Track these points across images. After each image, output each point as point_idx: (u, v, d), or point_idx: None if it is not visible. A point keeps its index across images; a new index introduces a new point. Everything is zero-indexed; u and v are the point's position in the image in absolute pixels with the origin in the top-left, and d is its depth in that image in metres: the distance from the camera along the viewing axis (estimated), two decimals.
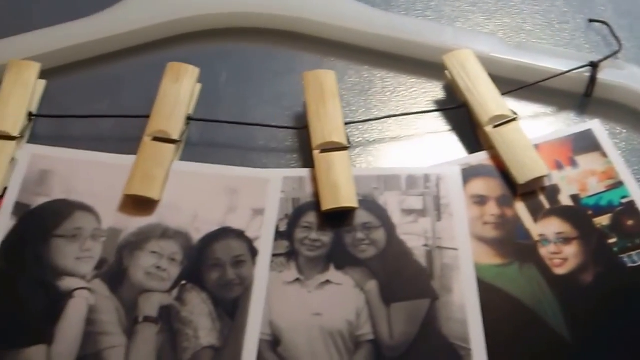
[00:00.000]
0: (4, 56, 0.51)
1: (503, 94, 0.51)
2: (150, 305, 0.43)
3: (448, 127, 0.52)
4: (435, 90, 0.54)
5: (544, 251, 0.46)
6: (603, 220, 0.47)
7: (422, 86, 0.54)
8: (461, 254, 0.45)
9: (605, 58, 0.53)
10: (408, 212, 0.47)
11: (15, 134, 0.47)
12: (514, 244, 0.46)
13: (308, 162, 0.49)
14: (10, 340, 0.41)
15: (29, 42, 0.52)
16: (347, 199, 0.46)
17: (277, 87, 0.54)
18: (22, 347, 0.41)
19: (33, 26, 0.54)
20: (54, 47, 0.52)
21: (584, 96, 0.53)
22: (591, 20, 0.59)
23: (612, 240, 0.46)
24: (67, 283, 0.43)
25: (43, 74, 0.51)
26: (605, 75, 0.53)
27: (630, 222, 0.47)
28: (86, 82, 0.53)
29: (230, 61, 0.55)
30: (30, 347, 0.41)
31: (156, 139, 0.48)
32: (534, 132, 0.51)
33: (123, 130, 0.50)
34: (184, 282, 0.44)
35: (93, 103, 0.52)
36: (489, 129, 0.49)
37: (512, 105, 0.51)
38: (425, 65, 0.54)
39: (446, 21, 0.59)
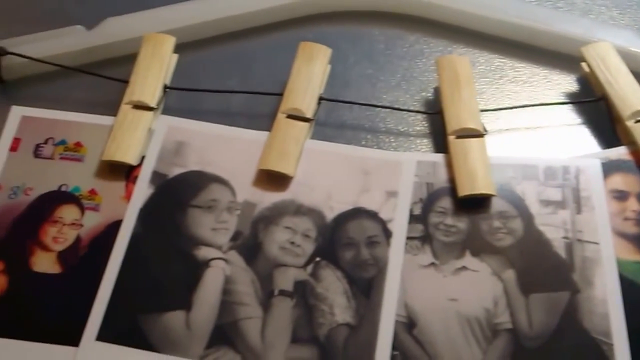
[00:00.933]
0: (138, 29, 0.53)
1: None
2: (285, 280, 0.44)
3: (583, 120, 0.52)
4: (568, 82, 0.54)
5: None
6: None
7: (555, 77, 0.54)
8: (603, 248, 0.45)
9: None
10: (546, 202, 0.48)
11: (153, 105, 0.49)
12: None
13: (439, 147, 0.50)
14: (151, 303, 0.43)
15: (162, 16, 0.54)
16: (485, 185, 0.46)
17: (405, 71, 0.55)
18: (163, 311, 0.43)
19: (165, 1, 0.56)
20: (187, 23, 0.54)
21: None
22: None
23: None
24: (204, 252, 0.45)
25: (175, 48, 0.53)
26: None
27: None
28: (216, 58, 0.55)
29: (358, 43, 0.56)
30: (170, 312, 0.43)
31: (290, 116, 0.49)
32: None
33: (252, 107, 0.52)
34: (318, 258, 0.45)
35: (223, 79, 0.54)
36: (630, 123, 0.49)
37: None
38: (557, 56, 0.55)
39: (578, 13, 0.58)
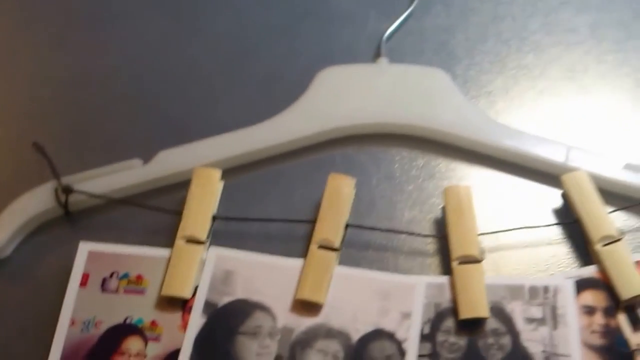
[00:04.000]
0: (189, 161, 0.54)
1: (611, 211, 0.54)
2: None
3: (564, 238, 0.54)
4: (555, 199, 0.56)
5: None
6: None
7: (542, 191, 0.56)
8: None
9: None
10: (530, 320, 0.51)
11: (204, 239, 0.51)
12: (615, 352, 0.50)
13: (445, 267, 0.53)
14: None
15: (208, 147, 0.56)
16: (481, 310, 0.49)
17: (420, 192, 0.57)
18: None
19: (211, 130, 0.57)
20: (230, 153, 0.55)
21: None
22: None
23: None
24: None
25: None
26: None
27: None
28: (256, 181, 0.57)
29: (380, 165, 0.58)
30: None
31: (321, 246, 0.51)
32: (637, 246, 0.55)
33: (290, 229, 0.53)
34: None
35: (262, 203, 0.55)
36: (598, 247, 0.52)
37: (619, 217, 0.54)
38: (544, 174, 0.57)
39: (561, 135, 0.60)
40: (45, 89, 0.63)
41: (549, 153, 0.58)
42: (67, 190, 0.53)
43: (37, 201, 0.54)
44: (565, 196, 0.57)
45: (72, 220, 0.55)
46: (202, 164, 0.55)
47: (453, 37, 0.66)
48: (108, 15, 0.68)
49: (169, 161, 0.55)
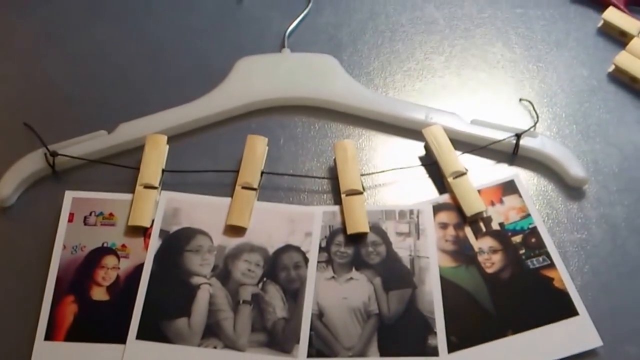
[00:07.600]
0: (143, 130, 0.68)
1: (460, 154, 0.69)
2: (246, 293, 0.62)
3: (426, 175, 0.69)
4: (418, 148, 0.71)
5: (481, 258, 0.64)
6: (517, 239, 0.65)
7: (409, 144, 0.71)
8: (431, 261, 0.63)
9: (525, 131, 0.70)
10: (399, 234, 0.66)
11: (156, 185, 0.65)
12: (463, 254, 0.64)
13: (337, 199, 0.67)
14: (167, 314, 0.59)
15: (157, 119, 0.69)
16: (363, 226, 0.64)
17: (316, 147, 0.71)
18: (174, 319, 0.59)
19: (160, 107, 0.71)
20: (175, 123, 0.69)
21: (512, 154, 0.70)
22: (521, 99, 0.76)
23: (522, 252, 0.64)
24: (195, 280, 0.62)
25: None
26: (525, 140, 0.70)
27: (533, 240, 0.65)
28: (194, 144, 0.70)
29: (285, 129, 0.72)
30: (178, 318, 0.59)
31: (244, 187, 0.66)
32: (479, 179, 0.68)
33: (218, 178, 0.67)
34: (265, 279, 0.62)
35: (199, 159, 0.69)
36: (450, 179, 0.68)
37: (467, 159, 0.69)
38: (411, 131, 0.72)
39: (424, 101, 0.75)
40: (30, 85, 0.75)
41: (413, 114, 0.73)
42: (54, 154, 0.66)
43: (31, 163, 0.67)
44: (426, 144, 0.71)
45: (59, 176, 0.68)
46: (152, 132, 0.68)
47: (340, 31, 0.80)
48: (71, 28, 0.80)
49: (127, 131, 0.68)
